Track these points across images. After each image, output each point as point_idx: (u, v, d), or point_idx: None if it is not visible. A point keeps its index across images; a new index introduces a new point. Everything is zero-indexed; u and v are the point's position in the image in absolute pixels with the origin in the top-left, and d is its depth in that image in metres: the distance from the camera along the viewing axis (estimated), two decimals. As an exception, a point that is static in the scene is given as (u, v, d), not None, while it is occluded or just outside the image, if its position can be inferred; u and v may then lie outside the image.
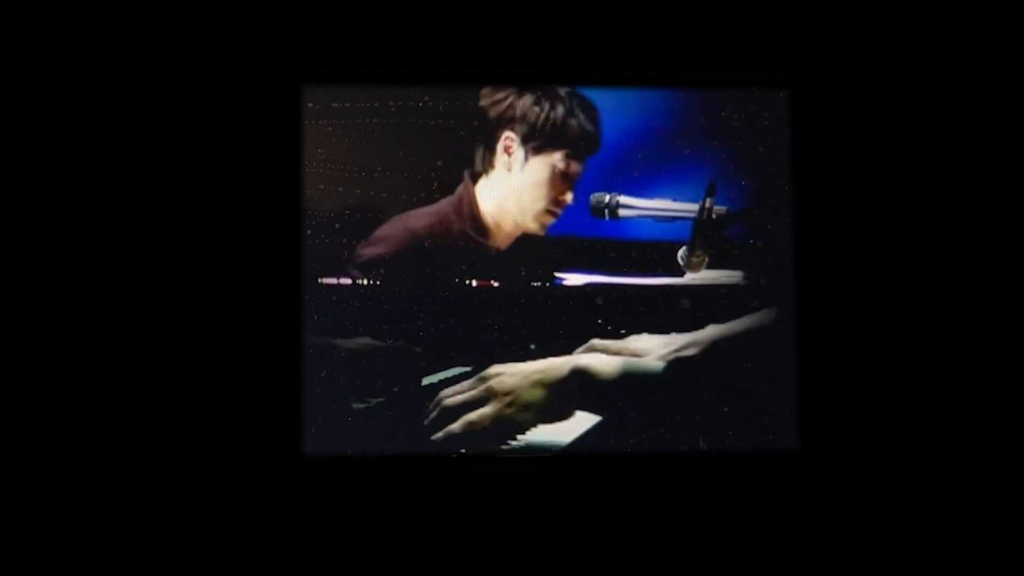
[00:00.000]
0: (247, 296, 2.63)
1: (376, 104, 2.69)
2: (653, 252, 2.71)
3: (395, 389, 2.66)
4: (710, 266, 2.71)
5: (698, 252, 2.70)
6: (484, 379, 2.67)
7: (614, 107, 2.72)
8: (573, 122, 2.68)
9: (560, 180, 2.68)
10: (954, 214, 2.73)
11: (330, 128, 2.68)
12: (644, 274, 2.71)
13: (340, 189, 2.68)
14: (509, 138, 2.68)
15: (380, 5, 2.71)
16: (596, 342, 2.70)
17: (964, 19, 2.75)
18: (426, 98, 2.70)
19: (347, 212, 2.68)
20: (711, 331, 2.71)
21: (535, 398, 2.68)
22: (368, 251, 2.67)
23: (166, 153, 2.64)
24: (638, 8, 2.74)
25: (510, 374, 2.67)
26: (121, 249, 2.62)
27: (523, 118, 2.68)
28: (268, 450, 2.62)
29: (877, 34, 2.75)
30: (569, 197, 2.69)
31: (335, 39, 2.70)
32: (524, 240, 2.70)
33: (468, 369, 2.67)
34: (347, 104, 2.69)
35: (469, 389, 2.67)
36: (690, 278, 2.71)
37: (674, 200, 2.71)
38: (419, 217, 2.68)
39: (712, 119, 2.74)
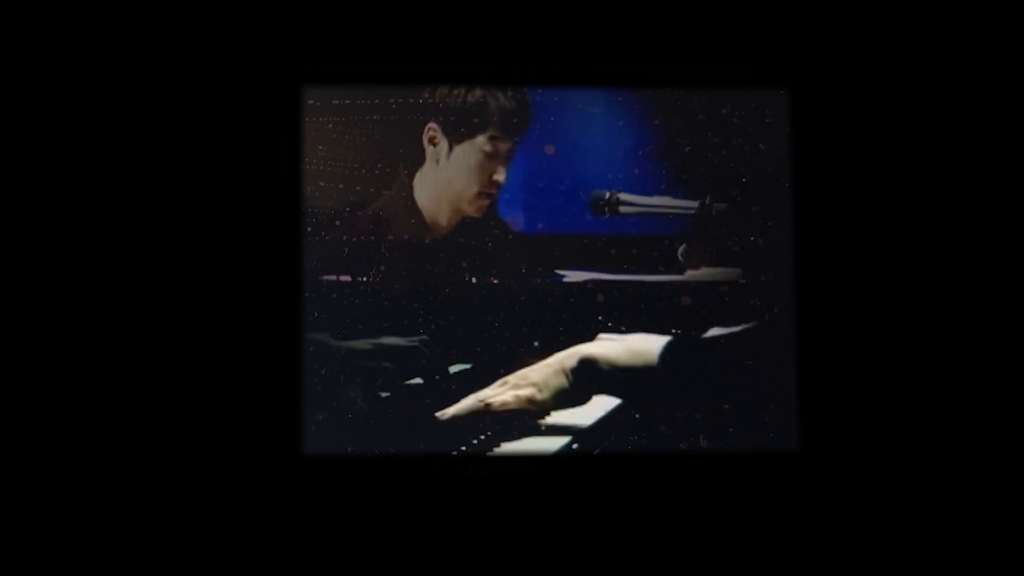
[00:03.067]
0: (247, 294, 2.63)
1: (377, 101, 2.70)
2: (653, 249, 2.72)
3: (396, 387, 2.66)
4: (710, 263, 2.72)
5: (698, 249, 2.71)
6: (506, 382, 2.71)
7: (615, 105, 2.73)
8: (492, 102, 2.69)
9: (488, 162, 2.69)
10: (955, 213, 2.73)
11: (330, 125, 2.68)
12: (645, 271, 2.71)
13: (340, 186, 2.68)
14: (432, 129, 2.69)
15: (380, 5, 2.71)
16: (602, 336, 2.71)
17: (964, 19, 2.75)
18: (427, 95, 2.70)
19: (347, 209, 2.68)
20: (711, 329, 2.71)
21: (559, 385, 2.70)
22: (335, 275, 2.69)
23: (166, 152, 2.64)
24: (638, 8, 2.75)
25: (534, 370, 2.70)
26: (120, 248, 2.62)
27: (443, 106, 2.69)
28: (268, 450, 2.62)
29: (877, 34, 2.75)
30: (501, 177, 2.70)
31: (335, 38, 2.70)
32: (524, 237, 2.71)
33: (469, 366, 2.68)
34: (347, 101, 2.69)
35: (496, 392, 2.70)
36: (690, 275, 2.72)
37: (674, 197, 2.72)
38: (355, 223, 2.68)
39: (713, 116, 2.74)
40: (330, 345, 2.65)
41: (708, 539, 2.67)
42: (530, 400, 2.69)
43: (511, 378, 2.70)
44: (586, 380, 2.70)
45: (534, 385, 2.69)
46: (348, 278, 2.67)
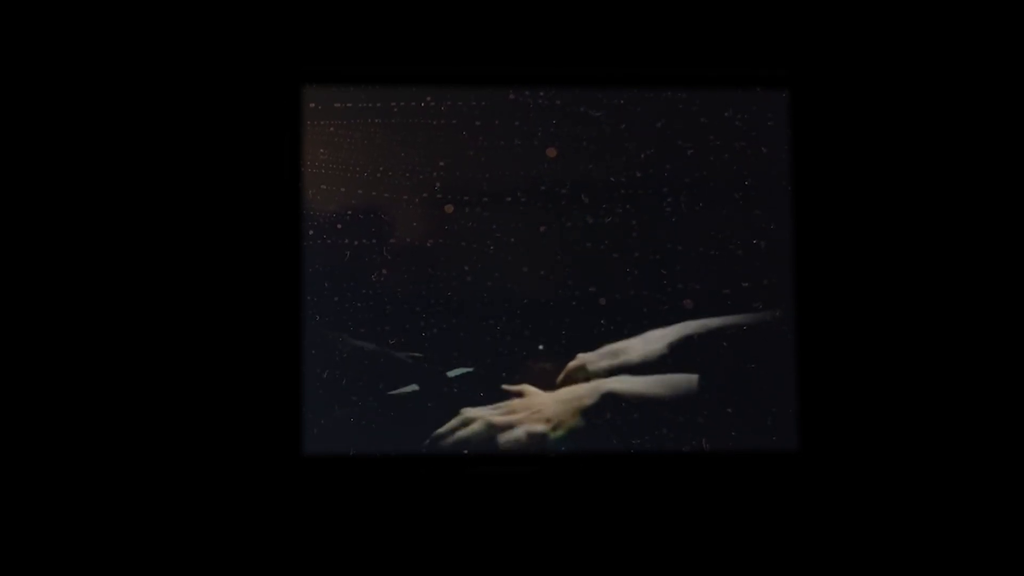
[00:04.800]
0: (248, 296, 2.63)
1: (378, 104, 2.69)
2: (656, 252, 2.71)
3: (397, 390, 2.66)
4: (712, 267, 2.72)
5: None
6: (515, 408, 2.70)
7: (615, 107, 2.72)
8: (493, 105, 2.69)
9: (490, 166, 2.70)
10: (956, 214, 2.74)
11: (332, 128, 2.68)
12: (647, 274, 2.71)
13: (342, 190, 2.68)
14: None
15: (381, 4, 2.70)
16: (592, 354, 2.71)
17: (965, 18, 2.75)
18: (428, 98, 2.70)
19: (349, 213, 2.68)
20: (713, 332, 2.71)
21: (575, 424, 2.70)
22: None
23: (165, 153, 2.64)
24: (638, 7, 2.74)
25: (543, 401, 2.69)
26: (120, 250, 2.61)
27: (444, 110, 2.69)
28: (268, 450, 2.62)
29: (878, 33, 2.75)
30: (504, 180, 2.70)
31: (335, 38, 2.69)
32: (526, 240, 2.70)
33: (470, 369, 2.68)
34: (349, 104, 2.69)
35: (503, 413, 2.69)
36: (692, 279, 2.72)
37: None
38: (357, 226, 2.68)
39: (715, 119, 2.74)
40: (331, 348, 2.65)
41: (709, 539, 2.67)
42: (542, 434, 2.69)
43: (520, 408, 2.70)
44: (607, 415, 2.71)
45: (548, 420, 2.69)
46: (349, 281, 2.67)
